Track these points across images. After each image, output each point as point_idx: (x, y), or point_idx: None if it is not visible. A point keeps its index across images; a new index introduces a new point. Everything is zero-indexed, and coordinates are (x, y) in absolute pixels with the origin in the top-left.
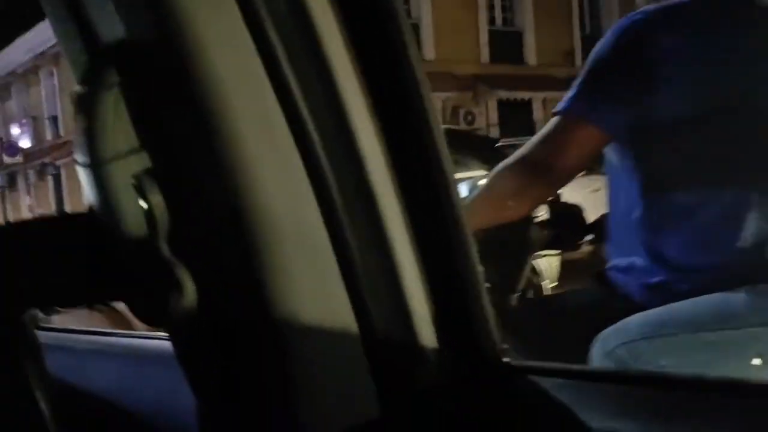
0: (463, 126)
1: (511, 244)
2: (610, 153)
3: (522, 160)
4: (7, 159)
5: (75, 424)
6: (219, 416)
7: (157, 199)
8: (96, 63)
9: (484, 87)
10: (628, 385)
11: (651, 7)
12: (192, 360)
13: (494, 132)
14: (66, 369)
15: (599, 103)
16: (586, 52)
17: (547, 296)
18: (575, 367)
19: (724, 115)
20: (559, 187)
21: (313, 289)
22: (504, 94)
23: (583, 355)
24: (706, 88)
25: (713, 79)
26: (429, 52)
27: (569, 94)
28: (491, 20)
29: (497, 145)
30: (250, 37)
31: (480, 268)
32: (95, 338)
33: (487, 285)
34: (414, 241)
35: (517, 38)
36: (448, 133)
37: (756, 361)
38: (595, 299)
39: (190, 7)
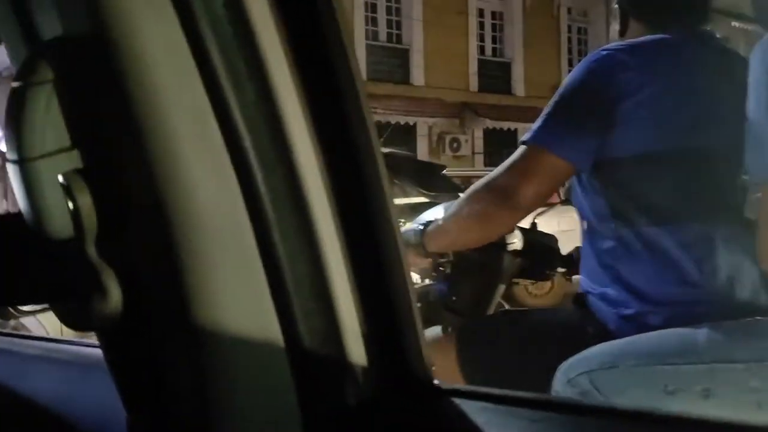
0: (448, 153)
1: (483, 269)
2: (576, 184)
3: (488, 185)
4: None
5: (10, 429)
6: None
7: (86, 199)
8: (31, 58)
9: (471, 115)
10: (553, 412)
11: (619, 44)
12: (120, 369)
13: (479, 160)
14: (7, 373)
15: (564, 134)
16: None
17: (528, 310)
18: (503, 392)
19: (686, 151)
20: (524, 214)
21: (239, 298)
22: (491, 123)
23: (551, 373)
24: (667, 125)
25: (673, 116)
26: (418, 77)
27: (536, 124)
28: (481, 50)
29: (443, 172)
30: (184, 36)
31: (413, 286)
32: (40, 343)
33: (457, 307)
34: (347, 254)
35: (506, 69)
36: (391, 156)
37: (704, 397)
38: (573, 320)
39: (125, 5)
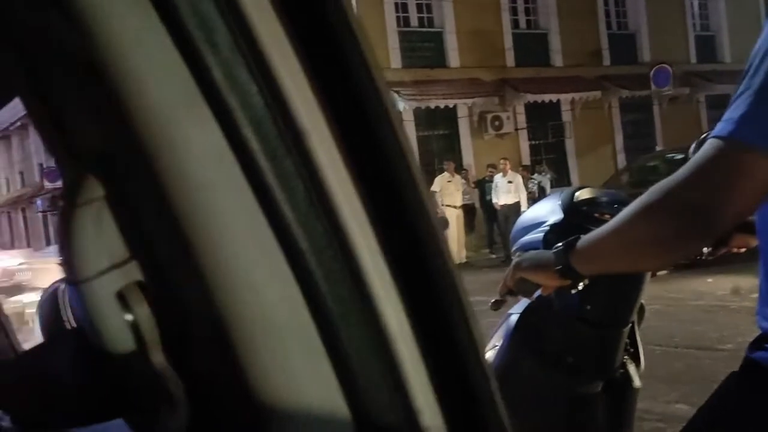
0: (491, 132)
1: (620, 277)
2: None
3: (673, 202)
4: (47, 184)
5: None
6: None
7: (144, 311)
8: (76, 178)
9: (510, 91)
10: None
11: None
12: None
13: (523, 136)
14: None
15: None
16: (613, 50)
17: None
18: None
19: None
20: (721, 236)
21: (309, 391)
22: (531, 98)
23: None
24: None
25: None
26: (454, 59)
27: (734, 112)
28: (515, 23)
29: None
30: (229, 148)
31: (481, 342)
32: None
33: (592, 318)
34: (408, 314)
35: (542, 40)
36: None
37: None
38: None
39: (164, 116)
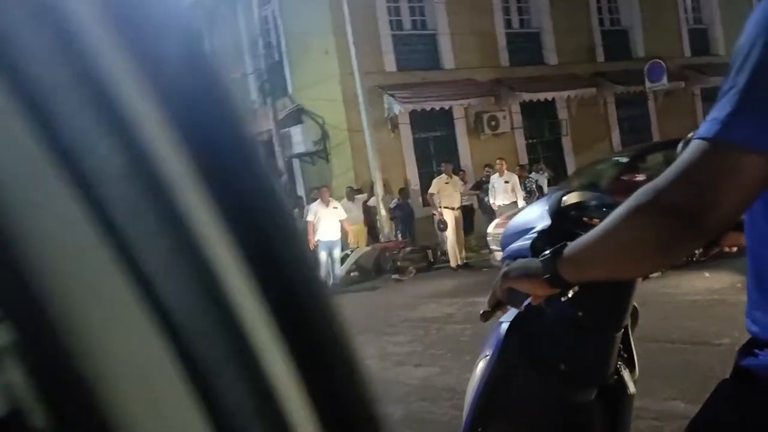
0: (488, 132)
1: (611, 281)
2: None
3: (659, 203)
4: None
5: None
6: None
7: (18, 374)
8: None
9: (505, 90)
10: None
11: None
12: None
13: (519, 135)
14: None
15: None
16: (607, 46)
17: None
18: None
19: None
20: (711, 238)
21: None
22: (527, 96)
23: None
24: None
25: None
26: (448, 61)
27: (720, 112)
28: (508, 23)
29: None
30: None
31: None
32: None
33: (585, 324)
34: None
35: (536, 39)
36: None
37: None
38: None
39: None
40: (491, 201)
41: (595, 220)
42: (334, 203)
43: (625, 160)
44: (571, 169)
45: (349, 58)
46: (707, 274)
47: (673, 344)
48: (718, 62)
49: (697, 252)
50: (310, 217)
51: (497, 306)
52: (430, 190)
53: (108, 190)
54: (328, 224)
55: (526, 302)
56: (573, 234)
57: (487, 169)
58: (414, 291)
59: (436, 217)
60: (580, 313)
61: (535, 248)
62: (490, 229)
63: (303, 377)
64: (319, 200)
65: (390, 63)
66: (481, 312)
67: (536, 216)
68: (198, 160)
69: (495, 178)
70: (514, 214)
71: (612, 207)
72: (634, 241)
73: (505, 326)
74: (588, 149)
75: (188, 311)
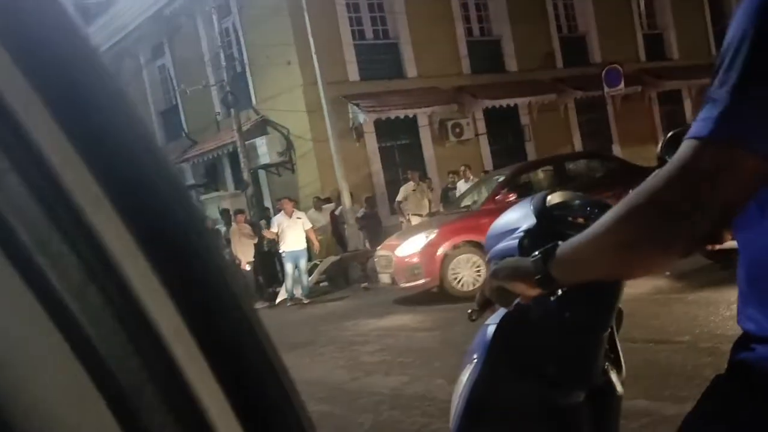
0: (452, 139)
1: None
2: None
3: (653, 203)
4: None
5: None
6: None
7: None
8: None
9: (468, 98)
10: None
11: None
12: None
13: (483, 141)
14: None
15: (764, 119)
16: (565, 52)
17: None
18: None
19: None
20: (707, 237)
21: None
22: (489, 103)
23: None
24: None
25: None
26: (411, 69)
27: (711, 111)
28: (468, 31)
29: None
30: None
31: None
32: None
33: (573, 324)
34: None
35: (496, 46)
36: None
37: None
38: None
39: None
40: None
41: (580, 219)
42: (297, 214)
43: (500, 179)
44: None
45: (312, 68)
46: (667, 273)
47: (635, 344)
48: (673, 66)
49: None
50: (274, 229)
51: (486, 305)
52: (397, 198)
53: (6, 205)
54: (293, 235)
55: (515, 302)
56: (560, 234)
57: (451, 175)
58: (383, 299)
59: (404, 225)
60: (567, 314)
61: (523, 247)
62: (379, 252)
63: (226, 390)
64: (282, 212)
65: (353, 72)
66: (469, 311)
67: (520, 216)
68: (104, 174)
69: (461, 184)
70: (403, 236)
71: (596, 206)
72: (630, 241)
73: (491, 329)
74: (551, 153)
75: (104, 331)
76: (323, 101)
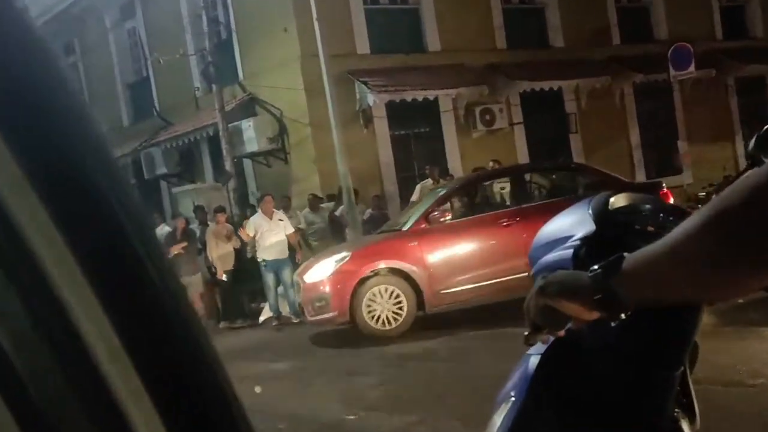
0: (481, 128)
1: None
2: None
3: (755, 207)
4: None
5: None
6: None
7: None
8: None
9: (502, 78)
10: None
11: None
12: None
13: (519, 132)
14: None
15: None
16: (623, 25)
17: None
18: None
19: None
20: None
21: None
22: (527, 86)
23: None
24: None
25: None
26: (434, 42)
27: None
28: None
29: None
30: None
31: None
32: None
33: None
34: None
35: (539, 16)
36: None
37: None
38: None
39: None
40: None
41: (650, 227)
42: (279, 215)
43: (442, 191)
44: None
45: (312, 38)
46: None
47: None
48: (756, 46)
49: None
50: (250, 232)
51: (538, 328)
52: (412, 198)
53: None
54: (273, 241)
55: (565, 326)
56: (623, 243)
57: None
58: None
59: None
60: (629, 344)
61: (579, 258)
62: (298, 275)
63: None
64: (260, 212)
65: (363, 44)
66: (525, 334)
67: (576, 221)
68: (35, 171)
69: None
70: (317, 260)
71: (671, 212)
72: (725, 254)
73: (534, 360)
74: (602, 149)
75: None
76: (325, 78)
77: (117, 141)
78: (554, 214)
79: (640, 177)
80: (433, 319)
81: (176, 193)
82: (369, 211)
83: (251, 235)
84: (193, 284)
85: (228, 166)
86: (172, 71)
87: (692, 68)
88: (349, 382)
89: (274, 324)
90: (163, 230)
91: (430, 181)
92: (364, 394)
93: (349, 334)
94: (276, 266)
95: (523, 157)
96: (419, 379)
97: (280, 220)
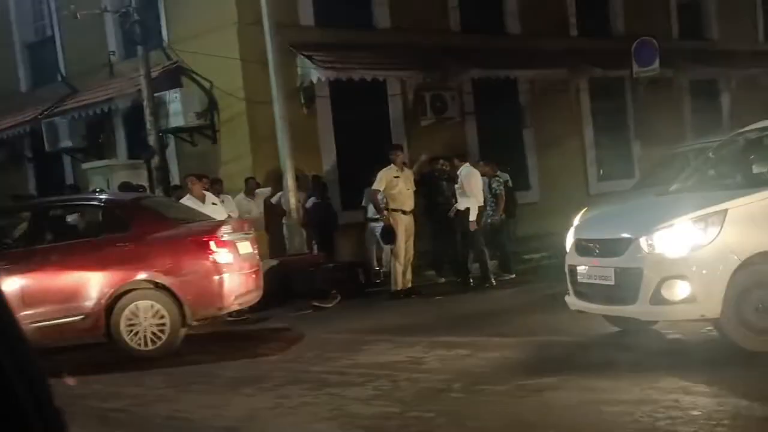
0: (430, 116)
1: None
2: None
3: None
4: None
5: None
6: None
7: None
8: None
9: (455, 63)
10: None
11: None
12: None
13: (471, 123)
14: None
15: None
16: (581, 19)
17: None
18: None
19: None
20: None
21: None
22: (481, 73)
23: None
24: None
25: None
26: (383, 19)
27: None
28: None
29: None
30: None
31: None
32: None
33: None
34: None
35: (496, 0)
36: None
37: None
38: None
39: None
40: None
41: None
42: (211, 198)
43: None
44: (533, 170)
45: (252, 2)
46: None
47: None
48: (712, 49)
49: None
50: None
51: None
52: (375, 186)
53: None
54: None
55: None
56: None
57: (442, 162)
58: (347, 325)
59: (379, 225)
60: None
61: None
62: None
63: None
64: (189, 195)
65: (307, 14)
66: None
67: None
68: None
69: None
70: None
71: None
72: None
73: None
74: (555, 146)
75: None
76: (269, 46)
77: (12, 107)
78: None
79: (592, 179)
80: None
81: (86, 169)
82: (312, 199)
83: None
84: None
85: (151, 141)
86: (83, 31)
87: (657, 65)
88: (331, 395)
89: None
90: None
91: (394, 167)
92: None
93: (289, 335)
94: None
95: (474, 150)
96: None
97: (213, 204)
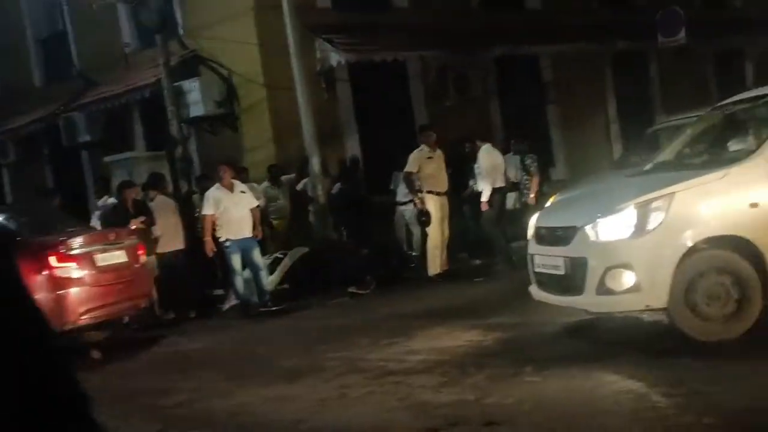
0: (453, 95)
1: None
2: None
3: None
4: None
5: None
6: None
7: None
8: None
9: (476, 42)
10: None
11: None
12: None
13: (494, 103)
14: None
15: None
16: None
17: None
18: None
19: None
20: None
21: None
22: (502, 50)
23: None
24: None
25: None
26: None
27: None
28: None
29: None
30: None
31: None
32: None
33: None
34: None
35: None
36: None
37: None
38: None
39: None
40: (476, 188)
41: None
42: (240, 186)
43: None
44: (558, 148)
45: None
46: None
47: None
48: (734, 17)
49: None
50: (208, 210)
51: None
52: (407, 168)
53: None
54: (237, 216)
55: None
56: None
57: (467, 144)
58: (390, 310)
59: (409, 208)
60: None
61: None
62: None
63: None
64: (218, 185)
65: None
66: None
67: None
68: None
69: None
70: None
71: None
72: None
73: None
74: (579, 121)
75: None
76: (289, 30)
77: (27, 103)
78: None
79: (617, 152)
80: None
81: (109, 162)
82: (338, 185)
83: (210, 213)
84: (148, 266)
85: (174, 131)
86: (95, 24)
87: (682, 34)
88: (397, 383)
89: (253, 313)
90: (106, 203)
91: (425, 148)
92: None
93: (335, 323)
94: (243, 246)
95: (498, 129)
96: None
97: (242, 192)
